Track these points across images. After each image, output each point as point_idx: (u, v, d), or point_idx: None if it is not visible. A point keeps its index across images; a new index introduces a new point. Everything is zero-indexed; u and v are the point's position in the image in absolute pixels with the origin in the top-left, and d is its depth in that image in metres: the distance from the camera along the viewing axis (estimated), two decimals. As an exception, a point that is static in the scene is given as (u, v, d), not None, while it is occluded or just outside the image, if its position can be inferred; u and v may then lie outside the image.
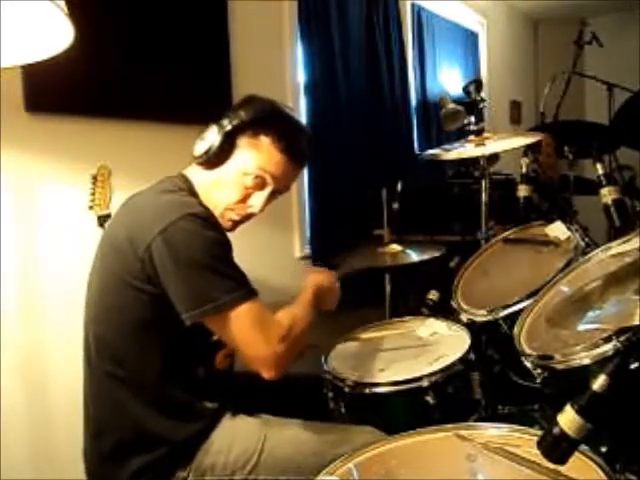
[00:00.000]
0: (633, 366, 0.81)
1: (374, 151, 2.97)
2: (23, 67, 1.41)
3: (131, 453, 1.17)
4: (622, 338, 0.91)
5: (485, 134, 1.99)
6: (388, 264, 2.11)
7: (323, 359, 1.55)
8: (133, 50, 1.86)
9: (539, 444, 0.79)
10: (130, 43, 1.85)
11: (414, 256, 2.07)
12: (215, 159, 1.21)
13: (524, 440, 0.97)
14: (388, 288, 2.39)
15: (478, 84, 2.08)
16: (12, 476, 1.53)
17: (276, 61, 2.52)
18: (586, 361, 0.97)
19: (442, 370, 1.39)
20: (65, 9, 0.95)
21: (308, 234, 2.67)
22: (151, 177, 1.28)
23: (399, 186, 2.46)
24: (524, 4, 5.00)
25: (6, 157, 1.54)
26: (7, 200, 1.56)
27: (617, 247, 1.31)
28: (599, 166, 1.64)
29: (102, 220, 1.47)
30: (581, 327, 1.12)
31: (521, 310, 1.36)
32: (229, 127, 1.20)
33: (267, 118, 1.23)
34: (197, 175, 1.26)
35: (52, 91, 1.62)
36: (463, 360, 1.43)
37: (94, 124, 1.76)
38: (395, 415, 1.42)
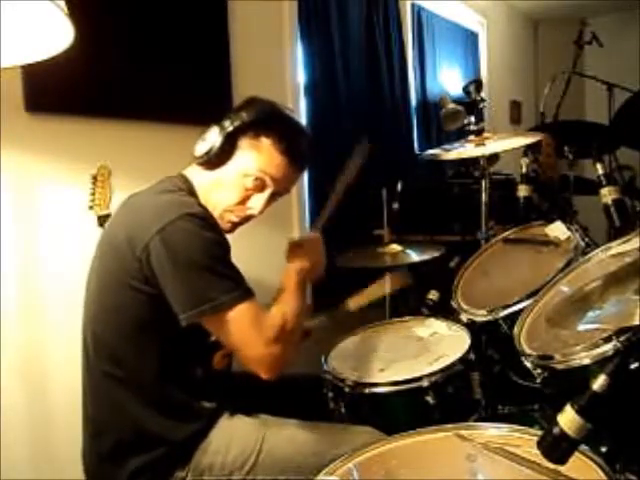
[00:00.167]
0: (633, 366, 0.81)
1: (374, 151, 2.97)
2: (23, 67, 1.41)
3: (130, 453, 1.17)
4: (622, 338, 0.91)
5: (485, 134, 2.00)
6: (388, 264, 2.11)
7: (323, 359, 1.56)
8: (133, 50, 1.85)
9: (539, 444, 0.79)
10: (130, 43, 1.85)
11: (414, 256, 2.07)
12: (216, 160, 1.21)
13: (524, 440, 0.97)
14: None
15: (478, 84, 2.09)
16: (12, 476, 1.52)
17: (276, 61, 2.52)
18: (586, 361, 0.97)
19: (442, 370, 1.39)
20: (65, 9, 0.95)
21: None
22: (151, 177, 1.28)
23: (399, 186, 2.47)
24: (524, 4, 5.00)
25: (6, 157, 1.54)
26: (7, 200, 1.56)
27: (617, 247, 1.31)
28: (599, 166, 1.64)
29: (102, 220, 1.47)
30: (581, 327, 1.12)
31: (521, 310, 1.36)
32: (230, 128, 1.20)
33: (268, 120, 1.23)
34: (197, 176, 1.26)
35: (52, 91, 1.62)
36: (463, 360, 1.43)
37: (94, 124, 1.76)
38: (395, 415, 1.42)
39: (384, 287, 1.72)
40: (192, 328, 1.10)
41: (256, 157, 1.21)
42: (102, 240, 1.24)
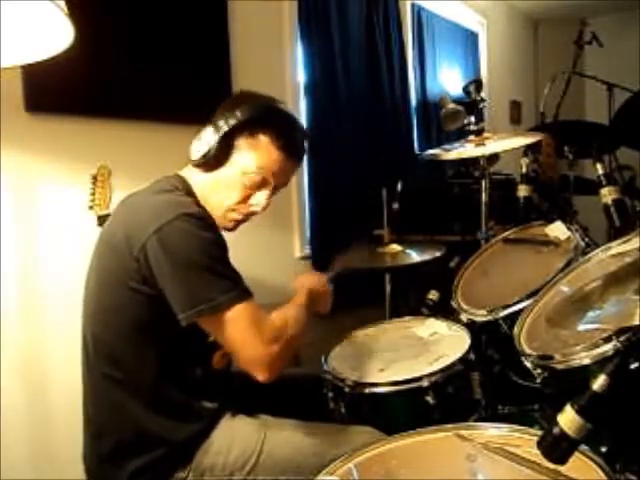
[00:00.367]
0: (633, 366, 0.81)
1: (374, 151, 2.97)
2: (23, 67, 1.41)
3: (130, 454, 1.17)
4: (622, 338, 0.91)
5: (485, 134, 1.99)
6: (388, 264, 2.11)
7: (323, 359, 1.55)
8: (133, 50, 1.86)
9: (539, 444, 0.79)
10: (130, 43, 1.85)
11: (414, 256, 2.07)
12: (214, 161, 1.21)
13: (524, 440, 0.97)
14: (388, 288, 2.39)
15: (478, 84, 2.09)
16: (12, 476, 1.53)
17: (276, 61, 2.52)
18: (586, 361, 0.97)
19: (442, 370, 1.39)
20: (65, 9, 0.95)
21: (308, 234, 2.67)
22: (151, 177, 1.28)
23: (399, 186, 2.46)
24: (524, 4, 5.00)
25: (6, 157, 1.54)
26: (7, 200, 1.56)
27: (617, 247, 1.31)
28: (599, 166, 1.64)
29: (102, 220, 1.47)
30: (581, 327, 1.12)
31: (521, 310, 1.36)
32: (226, 128, 1.19)
33: (264, 117, 1.22)
34: (194, 176, 1.26)
35: (52, 91, 1.62)
36: (463, 360, 1.43)
37: (94, 124, 1.76)
38: (395, 415, 1.42)
39: None
40: (191, 328, 1.10)
41: (255, 155, 1.21)
42: (101, 239, 1.24)
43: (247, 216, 1.27)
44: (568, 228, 1.66)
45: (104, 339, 1.18)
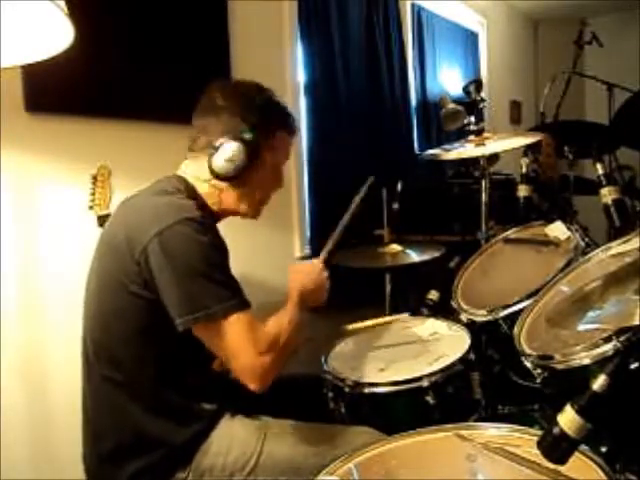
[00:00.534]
0: (633, 366, 0.81)
1: (374, 151, 2.97)
2: (23, 67, 1.41)
3: (130, 456, 1.17)
4: (622, 338, 0.91)
5: (485, 134, 2.00)
6: (388, 264, 2.11)
7: (323, 359, 1.55)
8: (133, 50, 1.85)
9: (539, 444, 0.79)
10: (130, 43, 1.85)
11: (414, 256, 2.07)
12: (244, 172, 1.23)
13: (524, 440, 0.97)
14: (388, 288, 2.38)
15: (478, 84, 2.09)
16: (12, 476, 1.53)
17: (276, 61, 2.52)
18: (586, 361, 0.97)
19: (442, 370, 1.39)
20: (65, 9, 0.95)
21: (308, 234, 2.67)
22: (151, 177, 1.28)
23: (399, 186, 2.46)
24: (524, 4, 5.00)
25: (6, 157, 1.54)
26: (7, 200, 1.56)
27: (617, 247, 1.31)
28: (599, 166, 1.64)
29: (102, 220, 1.47)
30: (581, 327, 1.13)
31: (521, 310, 1.36)
32: (250, 138, 1.21)
33: (275, 115, 1.29)
34: (209, 184, 1.26)
35: (52, 91, 1.62)
36: (463, 360, 1.43)
37: (94, 124, 1.76)
38: (395, 415, 1.42)
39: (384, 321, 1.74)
40: (190, 333, 1.10)
41: (279, 151, 1.31)
42: (101, 241, 1.24)
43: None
44: (568, 228, 1.66)
45: (104, 342, 1.18)
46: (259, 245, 2.31)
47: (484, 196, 2.09)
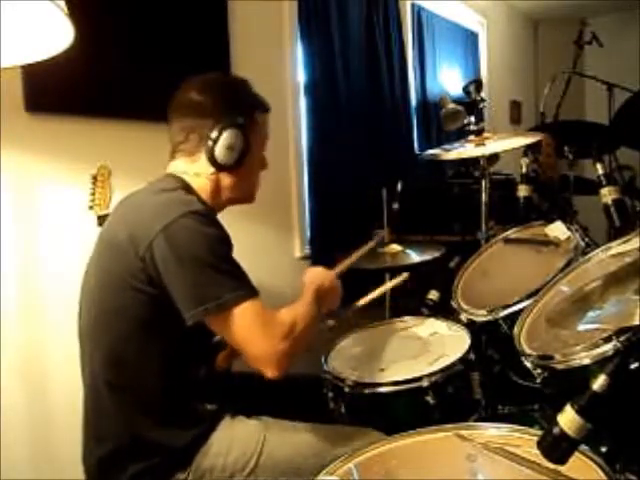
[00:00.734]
0: (633, 366, 0.81)
1: (374, 151, 2.97)
2: (23, 67, 1.41)
3: (130, 459, 1.16)
4: (622, 338, 0.91)
5: (485, 134, 2.00)
6: (388, 264, 2.11)
7: (323, 359, 1.56)
8: (133, 50, 1.85)
9: (539, 444, 0.79)
10: (130, 43, 1.85)
11: (414, 256, 2.07)
12: (244, 158, 1.26)
13: (524, 440, 0.97)
14: (388, 288, 2.38)
15: (478, 84, 2.09)
16: (12, 476, 1.52)
17: (276, 61, 2.52)
18: (586, 361, 0.97)
19: (442, 370, 1.39)
20: (65, 9, 0.95)
21: (308, 234, 2.67)
22: (151, 177, 1.28)
23: (399, 186, 2.46)
24: (524, 4, 5.00)
25: (6, 157, 1.54)
26: (7, 200, 1.56)
27: (617, 247, 1.31)
28: (599, 166, 1.64)
29: (102, 220, 1.46)
30: (581, 327, 1.13)
31: (521, 310, 1.36)
32: (242, 122, 1.24)
33: (250, 97, 1.31)
34: (207, 179, 1.26)
35: (52, 91, 1.62)
36: (463, 360, 1.43)
37: (94, 124, 1.76)
38: (395, 415, 1.42)
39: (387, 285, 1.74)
40: (194, 329, 1.10)
41: (262, 133, 1.33)
42: (100, 241, 1.23)
43: None
44: (568, 228, 1.66)
45: (105, 342, 1.17)
46: (259, 245, 2.31)
47: (484, 196, 2.09)
